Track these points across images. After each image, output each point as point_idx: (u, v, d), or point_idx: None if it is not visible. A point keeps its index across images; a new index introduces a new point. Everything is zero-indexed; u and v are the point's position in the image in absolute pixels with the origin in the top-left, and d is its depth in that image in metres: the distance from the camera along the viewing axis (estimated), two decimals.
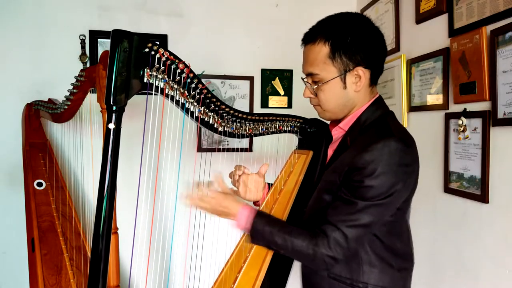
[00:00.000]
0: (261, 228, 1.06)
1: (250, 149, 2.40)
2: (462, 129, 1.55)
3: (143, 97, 0.97)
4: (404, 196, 1.03)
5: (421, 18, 1.85)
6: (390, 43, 2.09)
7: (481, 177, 1.48)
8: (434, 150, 1.76)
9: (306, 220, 1.13)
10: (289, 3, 2.44)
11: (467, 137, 1.54)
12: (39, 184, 1.84)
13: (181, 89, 1.03)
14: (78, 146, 1.95)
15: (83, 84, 1.37)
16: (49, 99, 1.82)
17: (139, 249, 1.15)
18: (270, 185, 1.38)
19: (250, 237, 1.08)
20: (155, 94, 0.98)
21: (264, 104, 2.44)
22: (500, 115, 1.39)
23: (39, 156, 1.94)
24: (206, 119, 1.14)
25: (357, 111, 1.09)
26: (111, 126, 0.87)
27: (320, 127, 1.35)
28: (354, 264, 1.05)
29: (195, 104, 1.09)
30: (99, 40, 2.18)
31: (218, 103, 1.15)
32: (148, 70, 0.94)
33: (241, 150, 2.39)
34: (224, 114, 1.19)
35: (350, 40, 1.01)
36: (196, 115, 1.11)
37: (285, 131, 1.36)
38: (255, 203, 1.40)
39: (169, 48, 0.99)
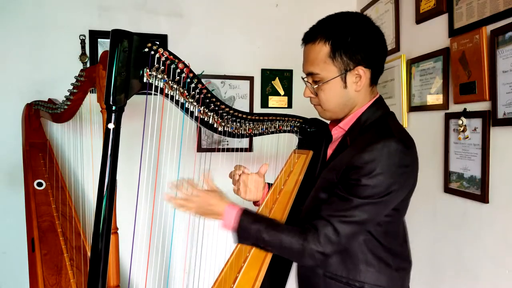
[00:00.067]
0: (248, 226, 1.04)
1: (250, 149, 2.40)
2: (462, 129, 1.55)
3: (143, 97, 0.97)
4: (401, 197, 1.02)
5: (421, 18, 1.85)
6: (390, 43, 2.09)
7: (481, 177, 1.48)
8: (434, 150, 1.76)
9: (302, 218, 1.13)
10: (289, 3, 2.44)
11: (467, 137, 1.54)
12: (39, 184, 1.84)
13: (180, 89, 1.03)
14: (78, 146, 1.95)
15: (83, 84, 1.37)
16: (49, 99, 1.82)
17: (139, 249, 1.15)
18: (270, 185, 1.38)
19: (237, 236, 1.07)
20: (154, 94, 0.98)
21: (264, 104, 2.44)
22: (500, 115, 1.39)
23: (39, 156, 1.94)
24: (205, 119, 1.14)
25: (357, 111, 1.09)
26: (111, 126, 0.87)
27: (320, 126, 1.35)
28: (351, 263, 1.05)
29: (195, 104, 1.08)
30: (99, 40, 2.18)
31: (218, 103, 1.15)
32: (148, 70, 0.94)
33: (241, 150, 2.39)
34: (224, 114, 1.19)
35: (351, 40, 1.01)
36: (196, 115, 1.10)
37: (285, 131, 1.36)
38: (255, 203, 1.40)
39: (169, 48, 0.99)
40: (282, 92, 2.46)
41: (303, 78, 1.12)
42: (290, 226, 1.04)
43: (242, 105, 2.39)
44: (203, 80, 1.14)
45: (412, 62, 1.91)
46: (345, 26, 1.03)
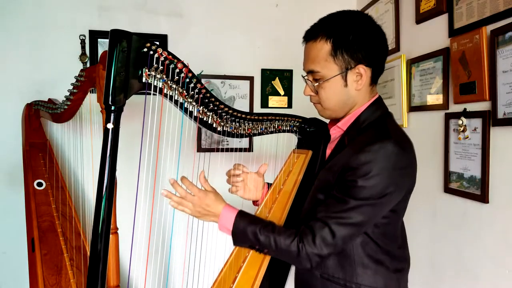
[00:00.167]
0: (243, 227, 1.04)
1: (250, 149, 2.40)
2: (462, 129, 1.55)
3: (142, 97, 0.97)
4: (398, 199, 1.02)
5: (421, 18, 1.85)
6: (390, 43, 2.09)
7: (481, 177, 1.48)
8: (434, 150, 1.76)
9: (301, 219, 1.12)
10: (289, 3, 2.44)
11: (467, 137, 1.54)
12: (39, 184, 1.84)
13: (179, 88, 1.03)
14: (78, 146, 1.95)
15: (83, 84, 1.37)
16: (49, 99, 1.82)
17: (138, 249, 1.15)
18: (269, 184, 1.38)
19: (232, 238, 1.07)
20: (154, 94, 0.98)
21: (264, 104, 2.44)
22: (500, 115, 1.38)
23: (39, 156, 1.94)
24: (205, 119, 1.14)
25: (356, 111, 1.08)
26: (110, 126, 0.87)
27: (319, 126, 1.34)
28: (347, 265, 1.05)
29: (194, 103, 1.08)
30: (99, 40, 2.18)
31: (217, 103, 1.14)
32: (147, 70, 0.94)
33: (241, 150, 2.39)
34: (223, 114, 1.18)
35: (352, 38, 1.01)
36: (195, 114, 1.10)
37: (284, 131, 1.36)
38: (254, 202, 1.40)
39: (169, 48, 0.99)
40: (282, 92, 2.46)
41: (303, 76, 1.12)
42: (286, 228, 1.04)
43: (242, 105, 2.39)
44: (202, 80, 1.14)
45: (412, 62, 1.90)
46: (347, 25, 1.03)
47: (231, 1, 2.36)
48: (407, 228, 1.18)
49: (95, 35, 2.18)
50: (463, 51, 1.54)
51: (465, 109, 1.55)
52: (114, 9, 2.21)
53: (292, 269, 1.22)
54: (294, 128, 1.37)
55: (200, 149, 2.34)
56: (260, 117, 1.29)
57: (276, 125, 1.33)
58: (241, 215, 1.07)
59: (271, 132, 1.34)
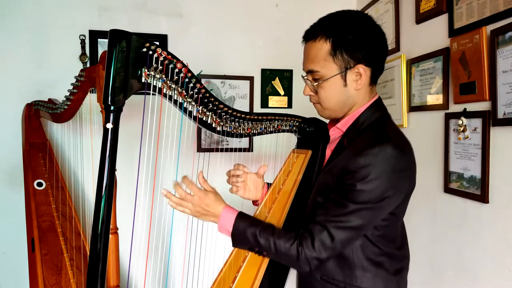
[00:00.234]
0: (243, 229, 1.04)
1: (250, 149, 2.40)
2: (462, 129, 1.55)
3: (142, 97, 0.97)
4: (397, 202, 1.01)
5: (421, 18, 1.85)
6: (390, 43, 2.09)
7: (481, 177, 1.48)
8: (434, 150, 1.76)
9: (301, 223, 1.12)
10: (289, 3, 2.44)
11: (467, 137, 1.54)
12: (39, 184, 1.84)
13: (179, 88, 1.03)
14: (78, 146, 1.95)
15: (83, 84, 1.37)
16: (49, 99, 1.82)
17: (138, 249, 1.15)
18: (269, 184, 1.38)
19: (232, 239, 1.06)
20: (153, 94, 0.98)
21: (264, 104, 2.44)
22: (500, 115, 1.38)
23: (39, 156, 1.94)
24: (204, 119, 1.14)
25: (355, 112, 1.08)
26: (109, 126, 0.87)
27: (319, 126, 1.34)
28: (347, 268, 1.04)
29: (193, 103, 1.08)
30: (99, 40, 2.18)
31: (217, 103, 1.14)
32: (146, 70, 0.94)
33: (241, 150, 2.39)
34: (223, 114, 1.18)
35: (352, 38, 1.01)
36: (194, 114, 1.10)
37: (284, 131, 1.36)
38: (254, 202, 1.40)
39: (169, 48, 0.99)
40: (282, 92, 2.46)
41: (303, 76, 1.12)
42: (286, 232, 1.03)
43: (242, 105, 2.39)
44: (202, 80, 1.14)
45: (412, 62, 1.90)
46: (346, 24, 1.02)
47: (231, 1, 2.36)
48: (407, 228, 1.18)
49: (95, 35, 2.18)
50: (463, 51, 1.54)
51: (465, 109, 1.55)
52: (114, 9, 2.21)
53: (294, 270, 1.22)
54: (294, 128, 1.37)
55: (200, 149, 2.34)
56: (260, 117, 1.29)
57: (276, 125, 1.33)
58: (241, 217, 1.06)
59: (271, 132, 1.34)
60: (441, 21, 1.72)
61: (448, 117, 1.66)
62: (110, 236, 1.16)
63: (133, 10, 2.23)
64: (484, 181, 1.46)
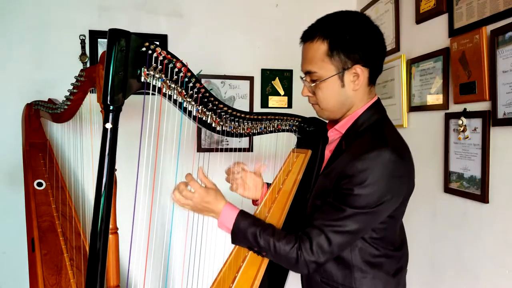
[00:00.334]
0: (244, 228, 1.04)
1: (249, 149, 2.40)
2: (462, 129, 1.55)
3: (141, 96, 0.97)
4: (394, 206, 1.01)
5: (421, 18, 1.84)
6: (390, 43, 2.09)
7: (481, 177, 1.47)
8: (434, 150, 1.76)
9: (300, 225, 1.11)
10: (289, 3, 2.44)
11: (467, 137, 1.54)
12: (39, 184, 1.84)
13: (178, 88, 1.03)
14: (78, 146, 1.95)
15: (83, 84, 1.37)
16: (49, 99, 1.82)
17: (138, 249, 1.15)
18: (269, 184, 1.38)
19: (231, 237, 1.07)
20: (152, 94, 0.98)
21: (264, 104, 2.44)
22: (500, 115, 1.38)
23: (39, 156, 1.94)
24: (204, 118, 1.13)
25: (354, 113, 1.08)
26: (108, 125, 0.87)
27: (319, 126, 1.34)
28: (346, 270, 1.05)
29: (193, 103, 1.08)
30: (99, 40, 2.18)
31: (216, 102, 1.14)
32: (146, 70, 0.94)
33: (241, 150, 2.39)
34: (222, 113, 1.18)
35: (349, 38, 1.01)
36: (194, 114, 1.10)
37: (283, 130, 1.36)
38: (254, 202, 1.40)
39: (169, 48, 0.98)
40: (282, 92, 2.46)
41: (301, 77, 1.12)
42: (286, 234, 1.03)
43: (242, 105, 2.39)
44: (202, 80, 1.14)
45: (412, 62, 1.90)
46: (344, 25, 1.02)
47: (231, 1, 2.36)
48: (406, 228, 1.18)
49: (95, 35, 2.18)
50: (463, 51, 1.54)
51: (465, 109, 1.55)
52: (114, 9, 2.21)
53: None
54: (294, 128, 1.37)
55: (200, 149, 2.34)
56: (260, 117, 1.29)
57: (276, 125, 1.33)
58: (242, 216, 1.06)
59: (271, 132, 1.34)
60: (441, 21, 1.72)
61: (448, 117, 1.66)
62: (110, 236, 1.16)
63: (133, 10, 2.23)
64: (484, 181, 1.46)
